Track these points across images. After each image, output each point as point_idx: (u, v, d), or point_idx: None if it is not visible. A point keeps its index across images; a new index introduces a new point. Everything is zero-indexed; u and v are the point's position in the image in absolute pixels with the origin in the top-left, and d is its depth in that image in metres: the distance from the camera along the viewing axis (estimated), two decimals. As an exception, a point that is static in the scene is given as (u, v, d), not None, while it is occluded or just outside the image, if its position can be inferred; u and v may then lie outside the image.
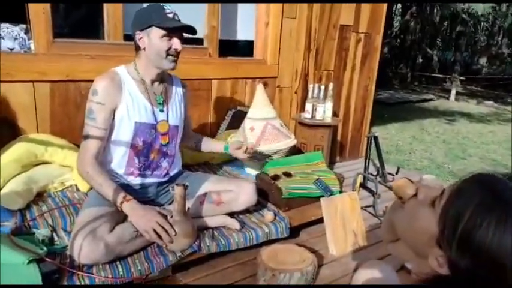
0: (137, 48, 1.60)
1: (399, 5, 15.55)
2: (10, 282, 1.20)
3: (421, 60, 15.41)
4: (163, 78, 1.72)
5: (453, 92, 10.67)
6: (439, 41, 18.13)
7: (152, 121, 1.66)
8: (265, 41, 2.77)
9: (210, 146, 1.98)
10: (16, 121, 1.94)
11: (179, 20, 1.55)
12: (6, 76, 1.85)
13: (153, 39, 1.53)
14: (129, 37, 2.24)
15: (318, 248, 1.90)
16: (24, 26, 1.94)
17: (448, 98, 10.58)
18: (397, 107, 8.51)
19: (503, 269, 0.58)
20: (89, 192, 1.77)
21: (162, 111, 1.68)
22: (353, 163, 3.35)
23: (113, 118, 1.59)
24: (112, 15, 2.17)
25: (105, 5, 2.15)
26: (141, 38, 1.55)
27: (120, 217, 1.59)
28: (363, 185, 2.48)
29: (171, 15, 1.51)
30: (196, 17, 2.47)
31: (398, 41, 15.47)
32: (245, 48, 2.95)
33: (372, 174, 2.56)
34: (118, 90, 1.57)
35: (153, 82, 1.66)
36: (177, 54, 1.58)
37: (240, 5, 2.69)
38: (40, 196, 1.83)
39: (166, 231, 1.46)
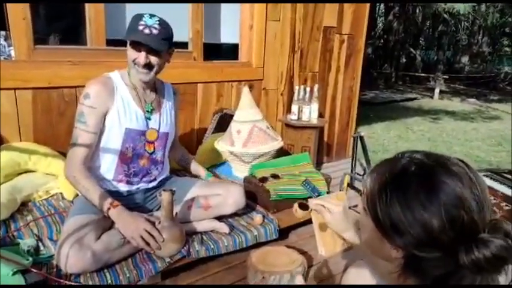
0: None
1: (382, 6, 15.78)
2: (-6, 294, 1.17)
3: (404, 60, 15.65)
4: (155, 85, 1.71)
5: (437, 90, 10.85)
6: (422, 40, 18.48)
7: (143, 128, 1.65)
8: (250, 44, 2.78)
9: (198, 170, 1.97)
10: (-2, 130, 1.91)
11: (151, 34, 1.49)
12: (-14, 84, 1.82)
13: (128, 50, 1.54)
14: (111, 42, 2.23)
15: (307, 249, 1.90)
16: (3, 32, 1.91)
17: (432, 97, 10.76)
18: (382, 107, 8.61)
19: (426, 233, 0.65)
20: (75, 200, 1.75)
21: (149, 119, 1.67)
22: (340, 163, 3.37)
23: (104, 123, 1.58)
24: (94, 21, 2.15)
25: (87, 10, 2.13)
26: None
27: (106, 224, 1.57)
28: (350, 185, 2.51)
29: (141, 27, 1.47)
30: (180, 20, 2.47)
31: (382, 41, 15.69)
32: (229, 52, 2.96)
33: (358, 174, 2.59)
34: (110, 94, 1.56)
35: (144, 89, 1.66)
36: (146, 66, 1.54)
37: (223, 8, 2.70)
38: (24, 205, 1.80)
39: (154, 238, 1.45)
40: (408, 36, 15.42)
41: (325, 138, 3.40)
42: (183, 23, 2.48)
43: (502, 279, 0.68)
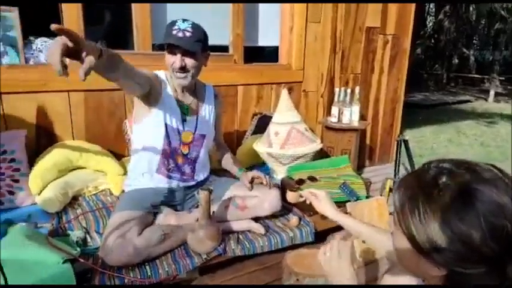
0: None
1: (432, 4, 15.10)
2: (46, 280, 1.27)
3: (457, 60, 14.84)
4: (195, 88, 1.77)
5: (492, 92, 10.19)
6: (476, 40, 17.40)
7: (179, 128, 1.72)
8: (290, 46, 2.78)
9: (228, 164, 1.98)
10: (53, 129, 2.07)
11: (184, 36, 1.52)
12: (43, 87, 1.98)
13: (165, 54, 1.60)
14: (157, 47, 2.33)
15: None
16: (60, 39, 2.05)
17: (486, 99, 10.12)
18: (432, 109, 8.23)
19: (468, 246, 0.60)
20: (121, 195, 1.85)
21: (185, 120, 1.73)
22: (383, 167, 3.27)
23: (150, 105, 1.63)
24: (141, 27, 2.26)
25: (134, 16, 2.24)
26: None
27: (149, 220, 1.65)
28: (393, 190, 2.43)
29: (174, 32, 1.53)
30: (220, 25, 2.53)
31: (432, 41, 14.98)
32: (268, 54, 2.98)
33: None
34: (160, 84, 1.65)
35: (183, 92, 1.72)
36: (182, 69, 1.59)
37: (261, 12, 2.72)
38: (75, 199, 1.93)
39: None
40: (461, 35, 14.59)
41: (368, 142, 3.31)
42: (223, 27, 2.54)
43: None
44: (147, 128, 1.68)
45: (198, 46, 1.58)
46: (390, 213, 2.06)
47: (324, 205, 1.24)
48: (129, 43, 2.42)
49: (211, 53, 1.72)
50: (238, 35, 2.58)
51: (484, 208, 0.59)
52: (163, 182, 1.75)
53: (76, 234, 1.58)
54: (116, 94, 2.20)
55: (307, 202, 1.30)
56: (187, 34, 1.53)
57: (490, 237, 0.58)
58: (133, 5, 2.22)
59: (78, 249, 1.49)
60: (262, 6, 2.71)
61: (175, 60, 1.57)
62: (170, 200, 1.78)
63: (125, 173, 2.01)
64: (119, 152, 2.25)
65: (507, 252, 0.58)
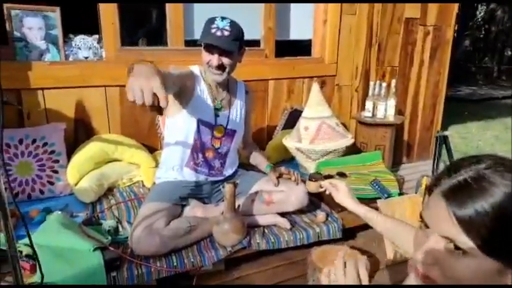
0: None
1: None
2: (78, 266, 1.34)
3: (510, 52, 13.84)
4: (228, 84, 1.78)
5: (549, 86, 9.42)
6: (533, 29, 16.16)
7: (212, 122, 1.73)
8: (323, 39, 2.72)
9: (256, 160, 1.99)
10: (91, 122, 2.16)
11: (223, 36, 1.53)
12: (82, 82, 2.07)
13: (202, 51, 1.61)
14: (189, 43, 2.37)
15: (375, 251, 1.81)
16: (97, 36, 2.15)
17: (542, 94, 9.36)
18: (480, 104, 7.75)
19: None
20: (152, 187, 1.90)
21: (218, 115, 1.75)
22: (421, 164, 3.12)
23: (182, 102, 1.66)
24: (174, 23, 2.30)
25: (167, 13, 2.29)
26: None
27: (176, 212, 1.69)
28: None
29: (213, 30, 1.53)
30: (252, 19, 2.52)
31: (483, 32, 14.08)
32: (300, 48, 2.92)
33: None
34: (194, 83, 1.68)
35: (217, 87, 1.74)
36: (219, 67, 1.60)
37: (293, 5, 2.68)
38: (110, 190, 2.02)
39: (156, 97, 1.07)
40: (515, 25, 13.59)
41: (405, 137, 3.18)
42: (255, 21, 2.53)
43: None
44: (179, 123, 1.71)
45: (235, 45, 1.59)
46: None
47: (343, 196, 1.21)
48: (163, 39, 2.48)
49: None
50: (270, 28, 2.56)
51: None
52: (192, 176, 1.78)
53: (108, 223, 1.65)
54: (149, 89, 2.26)
55: (327, 193, 1.28)
56: (226, 33, 1.54)
57: None
58: (167, 3, 2.27)
59: (109, 237, 1.55)
60: (295, -2, 2.67)
61: (213, 58, 1.58)
62: (198, 193, 1.80)
63: (157, 166, 2.06)
64: (152, 145, 2.31)
65: None
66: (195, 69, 1.72)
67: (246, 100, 1.87)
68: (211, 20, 1.57)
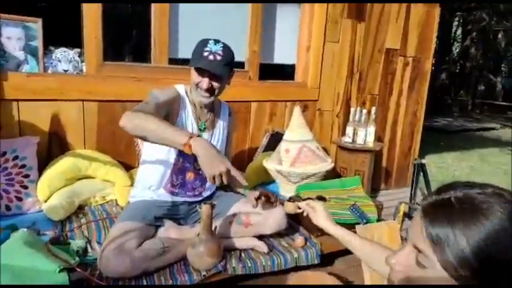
0: None
1: (459, 30, 14.94)
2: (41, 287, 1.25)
3: (483, 87, 14.51)
4: (213, 105, 1.76)
5: (520, 120, 9.84)
6: (504, 67, 17.04)
7: None
8: (306, 65, 2.77)
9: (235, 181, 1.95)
10: (65, 137, 2.09)
11: (215, 60, 1.52)
12: (60, 95, 2.02)
13: (191, 72, 1.60)
14: (173, 61, 2.36)
15: (353, 278, 1.78)
16: (78, 50, 2.11)
17: (513, 127, 9.77)
18: (456, 135, 8.00)
19: None
20: (125, 206, 1.83)
21: (201, 137, 1.72)
22: (399, 191, 3.16)
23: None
24: (158, 40, 2.29)
25: (152, 30, 2.28)
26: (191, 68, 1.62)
27: (150, 233, 1.62)
28: (407, 215, 2.32)
29: (206, 54, 1.52)
30: (238, 41, 2.55)
31: (458, 67, 14.74)
32: (283, 72, 2.97)
33: (418, 204, 2.39)
34: (179, 101, 1.65)
35: (202, 108, 1.72)
36: (208, 90, 1.59)
37: (278, 29, 2.72)
38: (81, 208, 1.93)
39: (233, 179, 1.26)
40: (487, 62, 14.31)
41: (384, 164, 3.22)
42: (240, 43, 2.55)
43: None
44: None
45: (227, 70, 1.59)
46: (404, 238, 1.96)
47: (320, 217, 1.20)
48: (146, 56, 2.46)
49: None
50: (254, 51, 2.59)
51: None
52: (168, 197, 1.73)
53: (77, 243, 1.57)
54: (128, 105, 2.21)
55: (305, 214, 1.27)
56: (218, 58, 1.53)
57: None
58: (153, 20, 2.27)
59: (77, 258, 1.47)
60: (279, 23, 2.72)
61: (203, 81, 1.57)
62: (174, 213, 1.75)
63: (133, 185, 2.00)
64: (128, 163, 2.25)
65: None
66: (181, 88, 1.70)
67: (229, 122, 1.86)
68: (204, 43, 1.55)
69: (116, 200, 2.05)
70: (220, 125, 1.81)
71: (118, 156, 2.18)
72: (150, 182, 1.70)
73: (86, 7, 2.04)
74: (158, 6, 2.24)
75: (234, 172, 1.24)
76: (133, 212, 1.63)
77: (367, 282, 1.72)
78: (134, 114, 1.31)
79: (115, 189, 2.06)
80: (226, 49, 1.57)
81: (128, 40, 3.22)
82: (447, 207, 0.59)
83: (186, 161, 1.70)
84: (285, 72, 2.96)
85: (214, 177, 1.22)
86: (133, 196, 1.75)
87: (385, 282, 1.62)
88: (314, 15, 2.70)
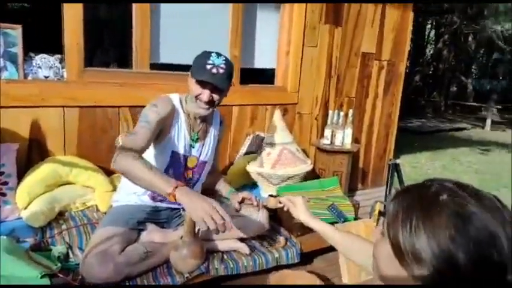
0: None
1: (432, 33, 15.41)
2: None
3: (455, 88, 15.03)
4: (206, 116, 1.76)
5: (488, 121, 10.26)
6: (475, 69, 17.70)
7: (186, 154, 1.73)
8: (286, 69, 2.84)
9: (219, 186, 1.98)
10: (45, 143, 2.08)
11: (218, 73, 1.55)
12: (41, 102, 2.01)
13: (190, 84, 1.61)
14: (155, 66, 2.38)
15: (331, 276, 1.85)
16: (59, 56, 2.10)
17: (483, 127, 10.18)
18: (429, 136, 8.28)
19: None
20: (108, 211, 1.84)
21: (193, 147, 1.75)
22: (376, 191, 3.26)
23: (157, 137, 1.62)
24: (140, 46, 2.30)
25: (133, 35, 2.29)
26: (188, 78, 1.64)
27: (132, 237, 1.64)
28: (382, 213, 2.41)
29: (209, 67, 1.54)
30: (218, 46, 2.58)
31: (431, 69, 15.21)
32: (264, 76, 3.02)
33: (393, 203, 2.49)
34: (172, 115, 1.65)
35: (196, 118, 1.73)
36: (207, 103, 1.60)
37: (258, 34, 2.78)
38: (62, 215, 1.92)
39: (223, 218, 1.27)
40: (459, 64, 14.84)
41: (361, 165, 3.32)
42: (221, 49, 2.57)
43: None
44: (151, 152, 1.66)
45: (228, 83, 1.62)
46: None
47: (300, 211, 1.25)
48: (128, 62, 2.47)
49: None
50: (235, 56, 2.63)
51: (478, 234, 0.59)
52: (152, 203, 1.75)
53: (58, 249, 1.57)
54: (110, 111, 2.23)
55: (285, 209, 1.31)
56: (221, 71, 1.55)
57: (474, 262, 0.58)
58: (134, 26, 2.28)
59: (59, 264, 1.47)
60: (259, 28, 2.77)
61: (204, 93, 1.58)
62: (157, 218, 1.77)
63: (114, 190, 2.00)
64: (109, 168, 2.24)
65: (488, 282, 0.58)
66: (175, 98, 1.69)
67: (219, 130, 1.89)
68: (207, 56, 1.57)
69: (96, 206, 2.04)
70: (212, 133, 1.83)
71: (99, 162, 2.18)
72: (135, 187, 1.71)
73: (66, 13, 2.03)
74: (139, 11, 2.26)
75: (219, 208, 1.26)
76: (116, 217, 1.65)
77: (344, 274, 1.79)
78: (123, 159, 1.36)
79: (95, 194, 2.06)
80: (228, 62, 1.60)
81: (109, 45, 3.20)
82: (405, 190, 0.69)
83: (175, 171, 1.71)
84: (265, 75, 3.01)
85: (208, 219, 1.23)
86: (116, 201, 1.76)
87: (362, 273, 1.70)
88: (293, 20, 2.77)
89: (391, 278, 0.70)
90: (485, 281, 0.58)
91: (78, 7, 2.05)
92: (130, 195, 1.73)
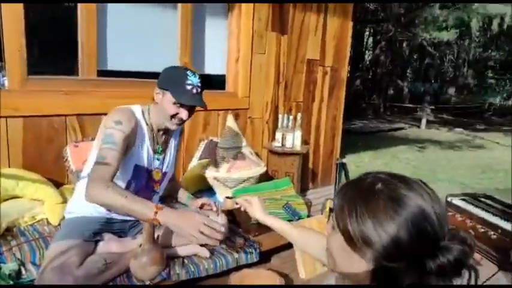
0: (153, 98, 1.65)
1: (370, 40, 16.40)
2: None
3: (392, 91, 16.10)
4: (168, 128, 1.75)
5: (423, 121, 11.14)
6: (409, 73, 19.10)
7: (149, 167, 1.71)
8: (236, 75, 2.91)
9: (177, 192, 2.01)
10: (-13, 156, 1.96)
11: (197, 93, 1.57)
12: (-21, 112, 1.89)
13: (164, 101, 1.59)
14: (102, 73, 2.34)
15: (289, 271, 1.94)
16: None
17: (419, 127, 11.02)
18: (370, 136, 8.80)
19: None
20: (62, 223, 1.78)
21: (157, 159, 1.75)
22: (325, 189, 3.44)
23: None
24: (86, 52, 2.25)
25: (79, 41, 2.24)
26: (157, 93, 1.62)
27: (89, 249, 1.60)
28: (332, 210, 2.56)
29: (189, 87, 1.54)
30: (169, 52, 2.60)
31: (370, 73, 16.18)
32: (214, 82, 3.08)
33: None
34: (136, 128, 1.60)
35: (159, 131, 1.73)
36: (181, 119, 1.62)
37: (208, 41, 2.84)
38: (9, 230, 1.82)
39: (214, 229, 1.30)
40: (395, 68, 15.94)
41: (310, 165, 3.48)
42: (172, 55, 2.61)
43: (459, 282, 0.74)
44: None
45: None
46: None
47: (256, 210, 1.30)
48: (73, 68, 2.40)
49: (155, 80, 1.76)
50: (186, 63, 2.65)
51: (412, 213, 0.70)
52: (108, 214, 1.71)
53: (9, 266, 1.50)
54: (56, 120, 2.15)
55: (242, 209, 1.36)
56: (199, 90, 1.58)
57: (415, 237, 0.69)
58: (80, 31, 2.22)
59: (11, 282, 1.41)
60: (208, 35, 2.82)
61: (182, 113, 1.58)
62: (113, 228, 1.74)
63: (64, 202, 1.94)
64: (58, 180, 2.17)
65: (425, 249, 0.69)
66: (137, 110, 1.65)
67: (179, 140, 1.90)
68: (183, 75, 1.56)
69: (47, 219, 1.96)
70: (172, 144, 1.84)
71: (47, 174, 2.09)
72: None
73: (5, 15, 1.93)
74: (85, 16, 2.21)
75: (207, 220, 1.30)
76: (71, 229, 1.60)
77: (301, 268, 1.89)
78: (97, 191, 1.37)
79: (45, 207, 1.97)
80: (201, 79, 1.61)
81: (53, 52, 3.06)
82: (351, 184, 0.78)
83: (137, 184, 1.68)
84: (215, 81, 3.06)
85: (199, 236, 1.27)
86: (70, 212, 1.71)
87: (317, 265, 1.80)
88: (241, 28, 2.86)
89: (345, 266, 0.78)
90: (424, 250, 0.69)
91: (18, 9, 1.96)
92: (85, 206, 1.68)
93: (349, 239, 0.73)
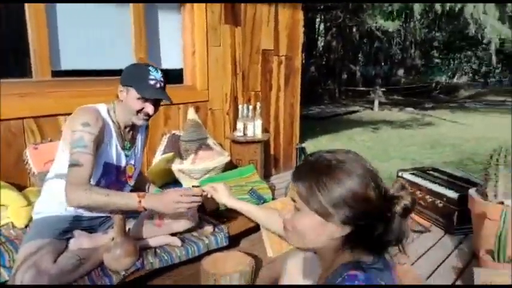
0: (117, 96, 1.67)
1: (322, 26, 16.79)
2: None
3: (345, 76, 16.64)
4: (134, 124, 1.77)
5: (376, 102, 11.67)
6: (360, 57, 19.78)
7: (120, 164, 1.74)
8: (194, 69, 2.96)
9: (144, 186, 2.05)
10: None
11: (161, 87, 1.60)
12: None
13: (129, 97, 1.61)
14: (57, 73, 2.31)
15: (257, 252, 2.06)
16: None
17: (372, 109, 11.54)
18: (327, 121, 9.13)
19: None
20: (30, 224, 1.77)
21: (127, 155, 1.77)
22: (287, 174, 3.60)
23: None
24: (38, 53, 2.22)
25: (30, 42, 2.19)
26: (121, 91, 1.63)
27: (61, 247, 1.62)
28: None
29: (152, 82, 1.58)
30: (123, 49, 2.60)
31: (324, 59, 16.61)
32: (172, 76, 3.10)
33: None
34: (103, 127, 1.61)
35: (126, 127, 1.74)
36: (148, 114, 1.65)
37: (162, 36, 2.86)
38: (-27, 238, 1.79)
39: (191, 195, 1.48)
40: (347, 53, 16.46)
41: (272, 152, 3.62)
42: (127, 51, 2.61)
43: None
44: None
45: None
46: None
47: (223, 195, 1.38)
48: (27, 70, 2.34)
49: (114, 78, 1.79)
50: (141, 58, 2.67)
51: (363, 170, 0.84)
52: (78, 212, 1.73)
53: (-22, 272, 1.50)
54: (12, 123, 2.11)
55: (209, 196, 1.43)
56: (162, 84, 1.61)
57: (374, 187, 0.83)
58: (30, 31, 2.18)
59: (-17, 286, 1.42)
60: (162, 30, 2.84)
61: (148, 107, 1.61)
62: (82, 225, 1.76)
63: (29, 204, 1.93)
64: (20, 183, 2.14)
65: (387, 203, 0.83)
66: (103, 109, 1.67)
67: (145, 135, 1.94)
68: (145, 71, 1.59)
69: (12, 223, 1.94)
70: (139, 140, 1.87)
71: (8, 178, 2.06)
72: (59, 197, 1.68)
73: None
74: (33, 17, 2.17)
75: (182, 191, 1.45)
76: (41, 229, 1.61)
77: (268, 248, 2.01)
78: (77, 196, 1.46)
79: (9, 211, 1.95)
80: (163, 74, 1.65)
81: (3, 54, 2.93)
82: (304, 165, 0.89)
83: (107, 181, 1.70)
84: (172, 75, 3.09)
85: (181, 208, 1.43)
86: (39, 212, 1.71)
87: (283, 244, 1.93)
88: (195, 21, 2.90)
89: (316, 240, 0.88)
90: (383, 199, 0.84)
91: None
92: (55, 205, 1.70)
93: (324, 211, 0.83)
